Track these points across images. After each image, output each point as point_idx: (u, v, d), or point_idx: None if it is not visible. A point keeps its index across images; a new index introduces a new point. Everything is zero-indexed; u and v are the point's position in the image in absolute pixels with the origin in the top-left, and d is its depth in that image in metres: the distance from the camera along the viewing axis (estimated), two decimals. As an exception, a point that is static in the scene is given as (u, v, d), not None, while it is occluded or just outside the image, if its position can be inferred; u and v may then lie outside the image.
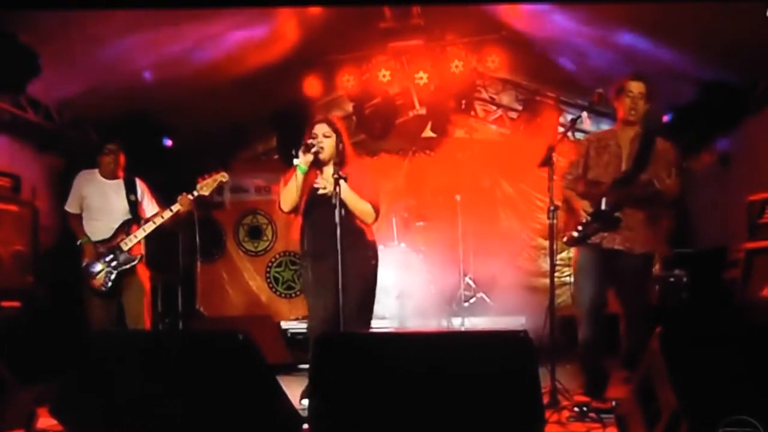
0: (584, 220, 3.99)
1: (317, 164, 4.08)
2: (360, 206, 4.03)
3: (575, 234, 4.00)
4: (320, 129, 4.09)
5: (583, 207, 4.00)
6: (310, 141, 4.00)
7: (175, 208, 4.73)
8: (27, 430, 3.31)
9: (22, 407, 3.32)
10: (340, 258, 3.73)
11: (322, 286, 3.99)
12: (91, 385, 3.02)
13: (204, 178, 4.74)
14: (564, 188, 4.16)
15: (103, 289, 4.74)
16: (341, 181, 3.87)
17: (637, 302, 3.97)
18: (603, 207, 3.94)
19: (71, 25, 4.92)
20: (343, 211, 3.83)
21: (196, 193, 4.71)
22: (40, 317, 5.34)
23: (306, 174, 4.01)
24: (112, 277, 4.75)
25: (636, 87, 3.95)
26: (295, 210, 4.13)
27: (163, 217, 4.77)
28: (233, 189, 8.15)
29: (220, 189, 4.79)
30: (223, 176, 4.74)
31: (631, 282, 3.96)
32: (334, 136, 4.09)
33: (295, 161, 3.95)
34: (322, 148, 4.02)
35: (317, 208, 4.05)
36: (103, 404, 2.94)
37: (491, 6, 6.51)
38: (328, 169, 4.10)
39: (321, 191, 3.96)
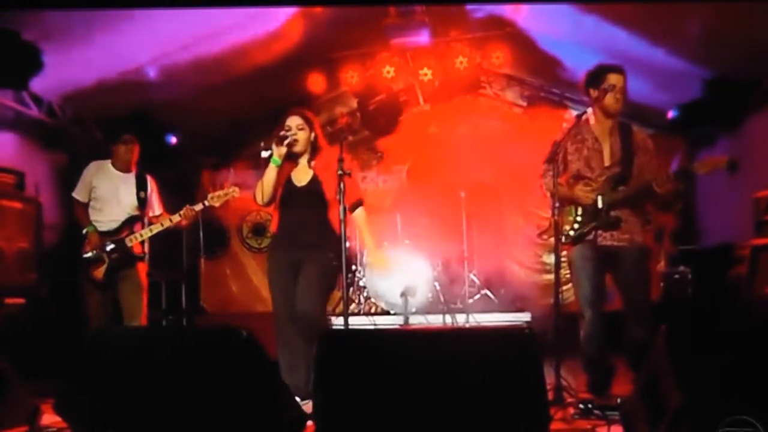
0: (579, 219, 3.97)
1: (292, 157, 4.10)
2: (367, 238, 4.28)
3: (571, 232, 3.97)
4: (293, 121, 4.11)
5: (584, 200, 3.94)
6: (283, 133, 4.01)
7: (176, 219, 4.83)
8: (30, 426, 3.31)
9: (24, 404, 3.32)
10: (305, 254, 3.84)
11: (287, 279, 4.05)
12: (94, 382, 3.02)
13: (216, 190, 4.87)
14: (545, 187, 4.12)
15: (103, 280, 4.76)
16: (360, 208, 4.16)
17: (637, 295, 3.93)
18: (600, 205, 3.91)
19: (74, 21, 4.91)
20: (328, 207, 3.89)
21: (206, 203, 4.80)
22: (43, 314, 5.34)
23: (280, 166, 4.03)
24: (112, 270, 4.77)
25: (618, 80, 3.91)
26: (270, 203, 4.16)
27: (163, 225, 4.85)
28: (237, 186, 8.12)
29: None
30: (234, 191, 4.84)
31: (629, 275, 3.92)
32: (307, 127, 4.11)
33: (264, 153, 3.99)
34: (296, 140, 4.05)
35: (292, 201, 4.10)
36: (106, 401, 2.94)
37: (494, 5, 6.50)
38: (303, 160, 4.15)
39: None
